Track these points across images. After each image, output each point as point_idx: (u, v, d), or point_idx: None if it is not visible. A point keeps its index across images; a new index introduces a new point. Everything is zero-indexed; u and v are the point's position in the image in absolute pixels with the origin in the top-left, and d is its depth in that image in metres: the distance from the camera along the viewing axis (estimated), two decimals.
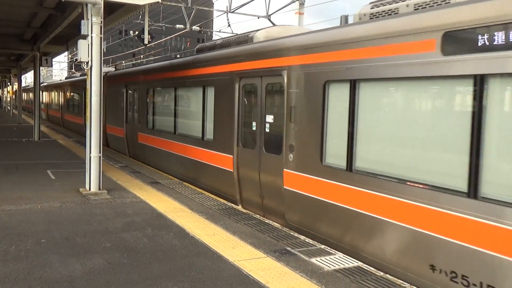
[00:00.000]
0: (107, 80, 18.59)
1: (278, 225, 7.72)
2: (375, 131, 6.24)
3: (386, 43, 5.94)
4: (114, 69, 20.80)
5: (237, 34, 10.61)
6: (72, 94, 26.15)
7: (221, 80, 9.91)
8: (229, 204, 9.07)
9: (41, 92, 38.08)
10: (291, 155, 7.63)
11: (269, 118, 8.38)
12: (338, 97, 6.84)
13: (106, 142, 18.78)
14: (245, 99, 9.17)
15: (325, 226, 6.99)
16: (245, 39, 9.99)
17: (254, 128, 8.82)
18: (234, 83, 9.34)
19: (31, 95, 42.56)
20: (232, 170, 9.43)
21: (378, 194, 6.05)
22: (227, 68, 9.67)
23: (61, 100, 29.83)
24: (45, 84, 38.17)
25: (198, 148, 11.00)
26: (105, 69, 22.22)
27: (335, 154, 6.88)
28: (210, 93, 10.52)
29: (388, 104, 6.07)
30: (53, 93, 33.88)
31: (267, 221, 7.91)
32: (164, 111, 13.44)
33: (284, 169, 7.80)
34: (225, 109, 9.72)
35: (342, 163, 6.68)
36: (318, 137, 7.11)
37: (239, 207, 8.89)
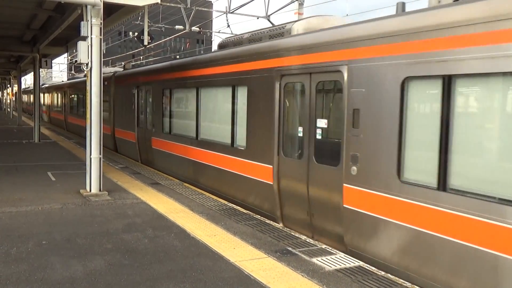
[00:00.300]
0: (115, 81, 17.68)
1: (279, 226, 7.71)
2: (485, 141, 4.92)
3: (501, 27, 4.65)
4: (122, 69, 20.11)
5: (268, 27, 9.42)
6: (77, 95, 25.22)
7: (256, 79, 8.66)
8: (230, 204, 9.07)
9: (42, 93, 37.78)
10: (355, 168, 6.38)
11: (322, 123, 7.15)
12: (424, 96, 5.61)
13: (115, 147, 18.02)
14: (287, 100, 7.96)
15: (407, 258, 5.69)
16: (280, 31, 8.80)
17: (300, 135, 7.58)
18: (274, 81, 8.10)
19: (31, 97, 42.33)
20: (271, 183, 8.23)
21: (493, 223, 4.71)
22: (264, 65, 8.43)
23: (65, 102, 28.67)
24: (46, 85, 37.54)
25: (226, 156, 9.71)
26: (112, 69, 22.04)
27: (419, 168, 5.60)
28: (242, 93, 9.24)
29: (507, 106, 4.77)
30: (56, 94, 32.57)
31: (267, 221, 7.90)
32: (184, 113, 12.11)
33: (345, 184, 6.56)
34: (261, 112, 8.50)
35: (430, 179, 5.40)
36: (394, 147, 5.83)
37: (279, 225, 7.72)
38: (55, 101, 33.02)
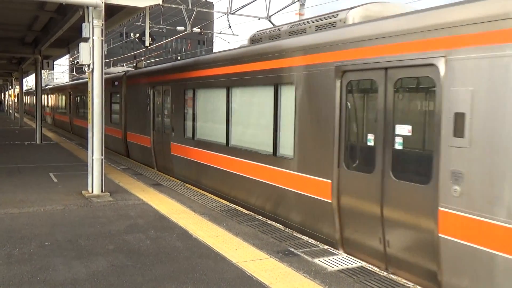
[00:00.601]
0: (127, 80, 16.56)
1: (281, 226, 7.69)
2: None
3: None
4: (133, 68, 19.18)
5: (313, 17, 8.17)
6: (84, 96, 23.66)
7: (307, 76, 7.37)
8: (232, 205, 9.06)
9: (46, 95, 36.82)
10: (457, 188, 5.04)
11: (403, 130, 5.81)
12: None
13: (127, 152, 16.89)
14: (351, 101, 6.64)
15: None
16: (330, 21, 7.60)
17: (370, 144, 6.23)
18: (332, 79, 6.81)
19: (34, 98, 41.95)
20: (328, 200, 6.93)
21: None
22: (318, 59, 7.12)
23: (71, 103, 27.31)
24: (50, 86, 36.80)
25: (266, 167, 8.44)
26: (121, 68, 21.61)
27: None
28: (288, 93, 7.96)
29: None
30: (60, 95, 31.15)
31: (269, 222, 7.88)
32: (211, 116, 10.74)
33: (441, 208, 5.23)
34: (315, 115, 7.21)
35: None
36: None
37: (340, 251, 6.53)
38: (60, 103, 31.72)
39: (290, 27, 8.59)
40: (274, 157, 8.25)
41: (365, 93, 6.51)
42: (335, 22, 7.54)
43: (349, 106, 6.66)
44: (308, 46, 7.42)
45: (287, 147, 7.99)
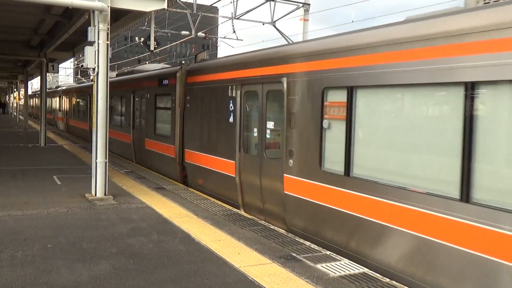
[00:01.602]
0: (186, 77, 12.37)
1: (284, 231, 7.71)
2: None
3: None
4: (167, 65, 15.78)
5: None
6: (112, 99, 18.15)
7: None
8: (234, 209, 9.07)
9: (59, 97, 34.34)
10: None
11: None
12: None
13: (182, 177, 12.67)
14: None
15: None
16: None
17: None
18: None
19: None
20: None
21: None
22: None
23: (91, 107, 21.29)
24: (63, 88, 33.88)
25: None
26: (157, 65, 18.02)
27: None
28: None
29: None
30: (78, 98, 26.65)
31: (272, 227, 7.89)
32: (404, 139, 5.95)
33: None
34: None
35: None
36: None
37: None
38: (76, 107, 27.25)
39: None
40: None
41: None
42: None
43: None
44: None
45: None
